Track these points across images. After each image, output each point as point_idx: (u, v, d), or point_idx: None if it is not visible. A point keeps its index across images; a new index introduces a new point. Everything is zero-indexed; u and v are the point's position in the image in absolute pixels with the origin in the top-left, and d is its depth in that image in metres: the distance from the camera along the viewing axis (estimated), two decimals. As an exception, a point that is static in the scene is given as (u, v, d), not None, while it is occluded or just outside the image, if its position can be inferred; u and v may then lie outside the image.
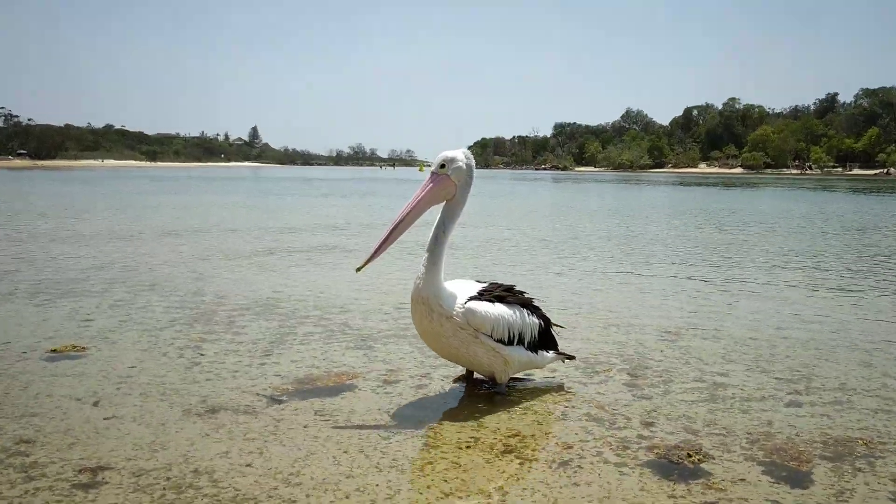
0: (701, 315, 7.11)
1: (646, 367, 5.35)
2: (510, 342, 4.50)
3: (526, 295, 4.71)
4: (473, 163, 4.44)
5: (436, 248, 4.32)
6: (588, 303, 7.60)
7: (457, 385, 4.78)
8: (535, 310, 4.69)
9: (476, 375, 4.81)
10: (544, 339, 4.73)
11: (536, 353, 4.67)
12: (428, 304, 4.30)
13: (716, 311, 7.29)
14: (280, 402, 4.47)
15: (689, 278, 9.33)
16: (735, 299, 7.94)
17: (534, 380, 5.01)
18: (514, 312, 4.51)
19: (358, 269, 4.25)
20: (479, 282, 4.68)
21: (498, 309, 4.44)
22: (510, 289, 4.64)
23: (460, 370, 5.03)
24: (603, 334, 6.28)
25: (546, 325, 4.75)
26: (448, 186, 4.36)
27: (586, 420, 4.29)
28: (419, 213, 4.36)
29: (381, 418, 4.24)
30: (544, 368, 5.08)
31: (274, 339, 5.90)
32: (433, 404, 4.49)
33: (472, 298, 4.41)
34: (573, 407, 4.50)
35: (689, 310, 7.35)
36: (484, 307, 4.40)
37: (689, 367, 5.40)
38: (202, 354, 5.43)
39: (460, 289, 4.48)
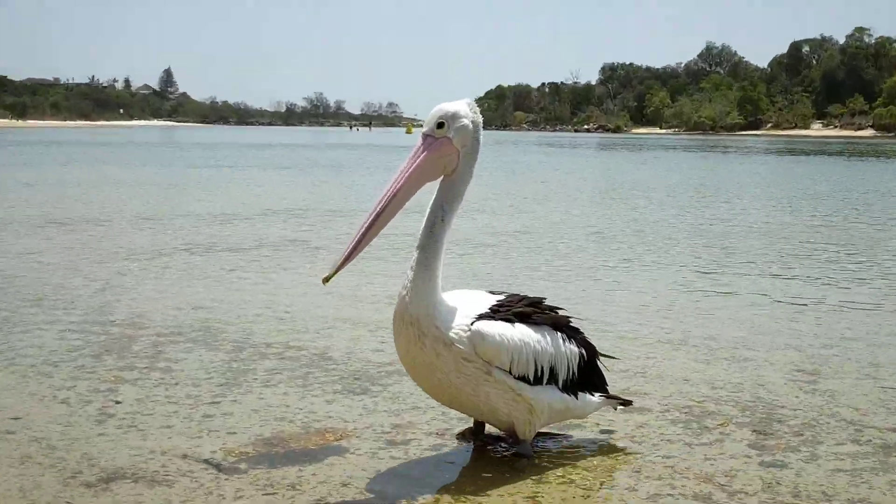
0: (846, 345, 7.08)
1: (776, 421, 5.29)
2: (537, 380, 4.50)
3: (560, 312, 4.71)
4: (481, 119, 4.47)
5: (430, 243, 4.34)
6: (674, 326, 7.59)
7: (486, 446, 4.75)
8: (573, 333, 4.70)
9: (488, 429, 4.82)
10: (587, 376, 4.75)
11: (576, 396, 4.69)
12: (418, 325, 4.29)
13: (867, 340, 7.25)
14: (234, 471, 4.39)
15: (817, 293, 9.30)
16: (892, 322, 7.89)
17: (585, 436, 4.96)
18: (544, 337, 4.53)
19: (326, 280, 4.23)
20: (491, 293, 4.68)
21: (519, 332, 4.44)
22: (537, 303, 4.66)
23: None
24: (704, 371, 6.26)
25: (590, 355, 4.76)
26: (448, 154, 4.39)
27: (693, 499, 4.22)
28: (409, 194, 4.37)
29: (386, 495, 4.18)
30: (588, 418, 5.07)
31: (224, 380, 5.84)
32: (461, 474, 4.45)
33: (482, 317, 4.41)
34: (670, 479, 4.43)
35: (826, 337, 7.32)
36: (499, 329, 4.39)
37: (840, 420, 5.34)
38: (118, 402, 5.37)
39: (465, 303, 4.47)
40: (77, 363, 6.13)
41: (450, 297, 4.44)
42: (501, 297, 4.58)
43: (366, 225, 4.26)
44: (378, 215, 4.26)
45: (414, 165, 4.33)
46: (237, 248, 11.60)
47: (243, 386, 5.72)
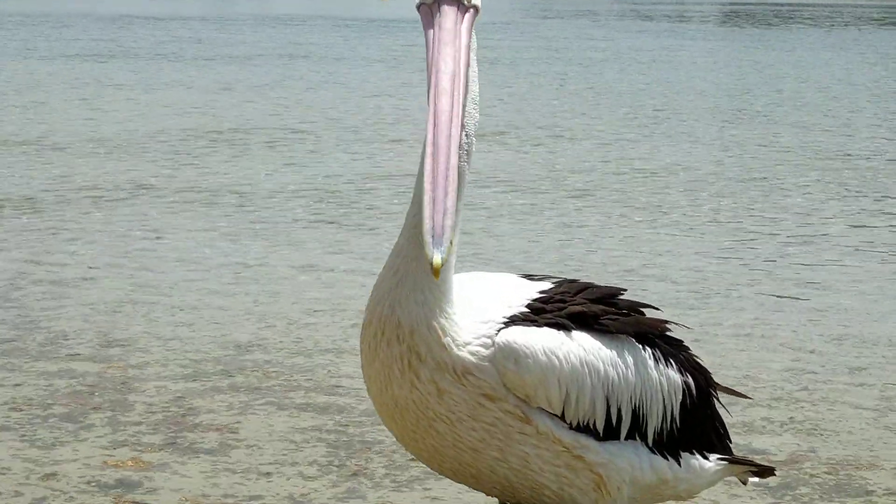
0: None
1: None
2: (611, 432, 3.03)
3: (650, 313, 3.23)
4: None
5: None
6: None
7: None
8: (673, 349, 3.24)
9: None
10: (697, 426, 3.26)
11: (677, 459, 3.17)
12: (411, 341, 2.86)
13: None
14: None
15: None
16: None
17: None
18: (622, 356, 3.06)
19: (441, 266, 2.62)
20: (528, 278, 3.21)
21: (579, 347, 2.99)
22: (609, 297, 3.16)
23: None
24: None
25: (702, 388, 3.30)
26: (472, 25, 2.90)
27: None
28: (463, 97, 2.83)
29: None
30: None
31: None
32: None
33: (514, 321, 2.95)
34: None
35: None
36: (543, 342, 2.93)
37: None
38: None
39: (484, 297, 3.02)
40: None
41: (459, 288, 2.94)
42: (546, 286, 3.10)
43: (446, 159, 2.66)
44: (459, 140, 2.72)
45: (463, 54, 2.78)
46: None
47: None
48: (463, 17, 2.83)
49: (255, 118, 14.74)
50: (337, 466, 4.47)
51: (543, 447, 2.95)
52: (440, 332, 2.83)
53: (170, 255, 7.80)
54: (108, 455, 4.51)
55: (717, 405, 3.37)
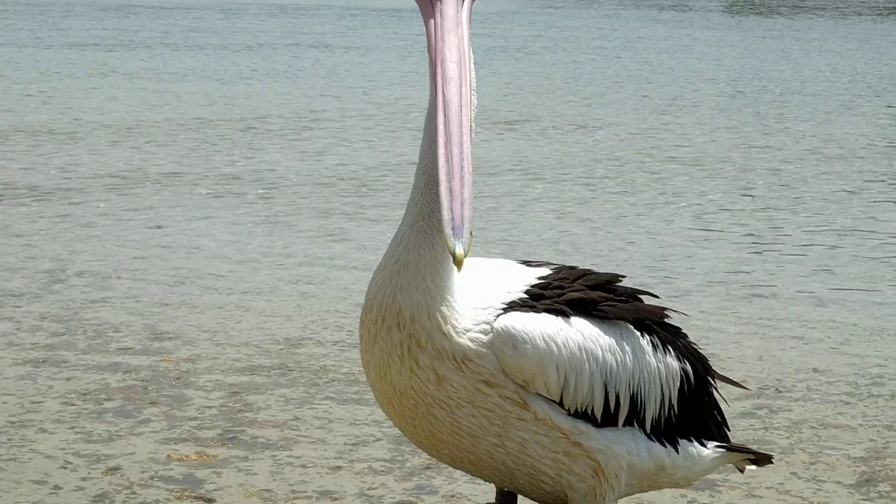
0: None
1: None
2: (609, 419, 3.02)
3: (648, 300, 3.18)
4: None
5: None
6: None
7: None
8: (671, 336, 3.20)
9: (524, 502, 3.22)
10: (695, 413, 3.25)
11: (675, 446, 3.16)
12: (412, 328, 2.85)
13: None
14: None
15: None
16: None
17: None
18: (620, 343, 3.04)
19: (464, 257, 2.60)
20: (526, 264, 3.19)
21: (577, 333, 2.97)
22: (607, 283, 3.14)
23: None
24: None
25: (700, 375, 3.26)
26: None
27: None
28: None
29: None
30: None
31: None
32: None
33: (512, 306, 2.94)
34: None
35: None
36: (542, 328, 2.92)
37: None
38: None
39: (482, 283, 3.00)
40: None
41: (459, 275, 2.87)
42: (545, 272, 3.09)
43: (459, 149, 2.65)
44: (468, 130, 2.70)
45: (466, 42, 2.78)
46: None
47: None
48: (462, 3, 2.82)
49: (267, 107, 14.67)
50: (404, 461, 4.39)
51: (541, 433, 2.93)
52: (441, 321, 2.81)
53: (208, 246, 7.76)
54: (171, 450, 4.45)
55: (718, 395, 3.34)
